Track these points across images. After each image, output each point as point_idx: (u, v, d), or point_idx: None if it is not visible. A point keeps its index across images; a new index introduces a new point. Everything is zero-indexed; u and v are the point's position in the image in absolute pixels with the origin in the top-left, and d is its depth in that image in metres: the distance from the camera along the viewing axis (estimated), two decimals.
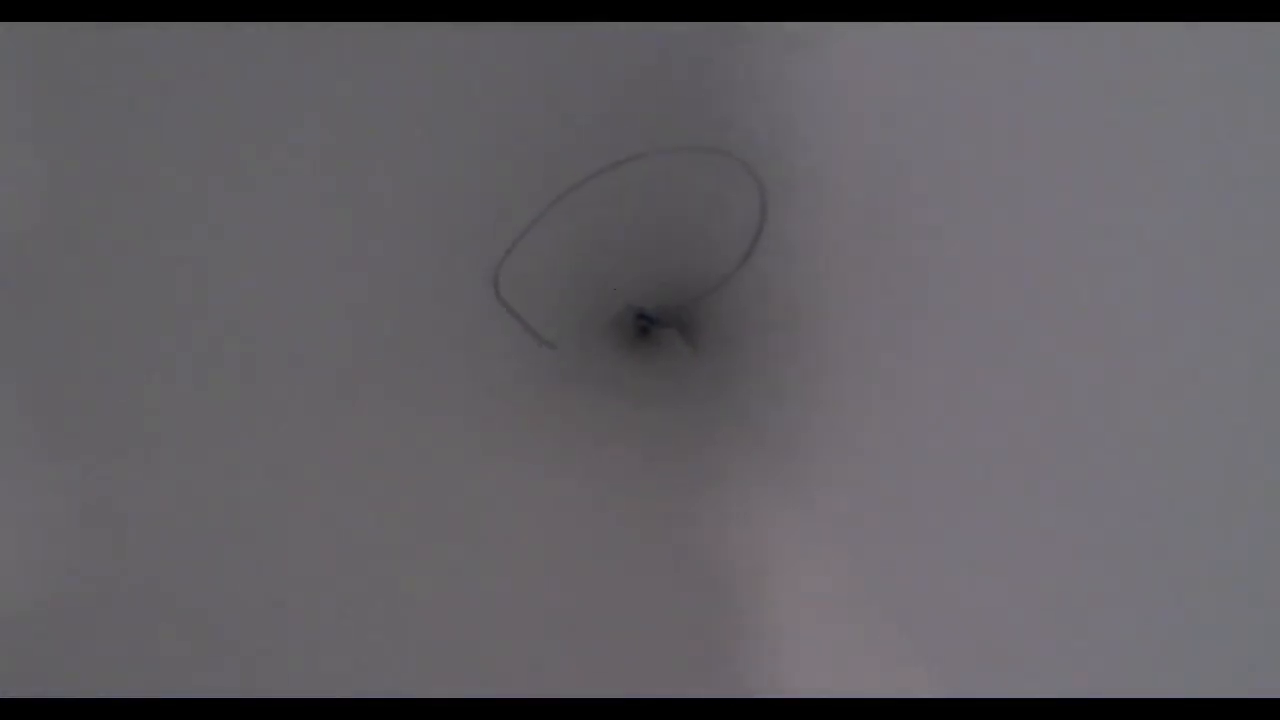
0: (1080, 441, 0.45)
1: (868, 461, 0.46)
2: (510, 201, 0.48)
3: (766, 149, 0.47)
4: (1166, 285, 0.47)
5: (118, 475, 0.44)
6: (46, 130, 0.46)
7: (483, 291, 0.48)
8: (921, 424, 0.45)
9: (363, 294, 0.48)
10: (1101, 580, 0.45)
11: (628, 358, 0.48)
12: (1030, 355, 0.45)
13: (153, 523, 0.44)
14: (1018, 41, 0.47)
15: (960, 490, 0.44)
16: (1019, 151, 0.47)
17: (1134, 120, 0.46)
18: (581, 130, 0.49)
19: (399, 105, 0.49)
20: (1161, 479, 0.46)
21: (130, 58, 0.46)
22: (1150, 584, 0.45)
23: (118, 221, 0.46)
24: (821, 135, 0.48)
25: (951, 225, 0.47)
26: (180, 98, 0.46)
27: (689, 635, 0.44)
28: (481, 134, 0.49)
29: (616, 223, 0.49)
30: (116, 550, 0.43)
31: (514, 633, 0.44)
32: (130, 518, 0.43)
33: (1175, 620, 0.45)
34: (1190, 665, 0.45)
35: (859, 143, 0.48)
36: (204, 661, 0.42)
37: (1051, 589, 0.45)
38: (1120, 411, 0.44)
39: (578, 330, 0.48)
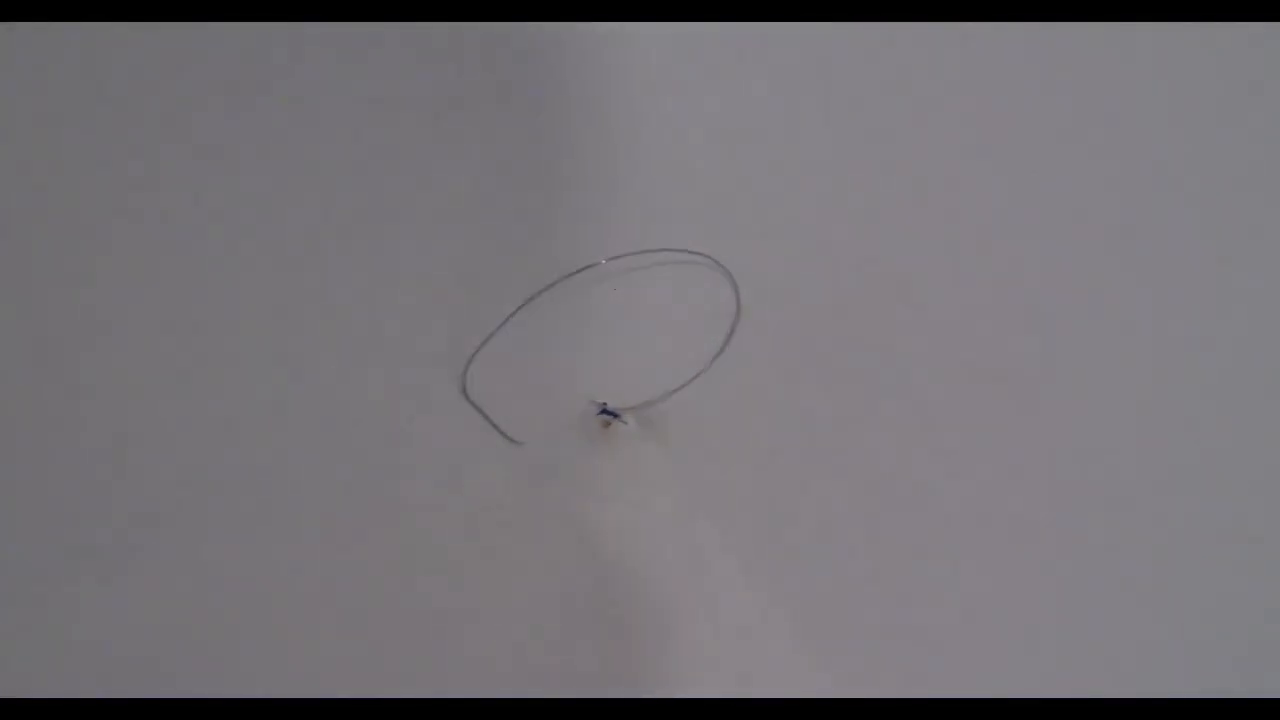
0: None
1: (845, 556, 0.44)
2: (482, 301, 0.49)
3: (741, 247, 0.48)
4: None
5: None
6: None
7: (451, 390, 0.48)
8: (897, 514, 0.44)
9: (330, 394, 0.48)
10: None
11: (593, 453, 0.47)
12: (1011, 445, 0.45)
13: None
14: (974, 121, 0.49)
15: (941, 578, 0.43)
16: (988, 244, 0.48)
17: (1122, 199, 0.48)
18: (552, 231, 0.50)
19: (366, 201, 0.50)
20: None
21: None
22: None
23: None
24: (796, 232, 0.49)
25: (927, 319, 0.47)
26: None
27: None
28: (452, 232, 0.50)
29: (587, 322, 0.49)
30: None
31: None
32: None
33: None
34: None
35: (833, 238, 0.49)
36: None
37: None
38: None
39: (544, 426, 0.48)
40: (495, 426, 0.47)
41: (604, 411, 0.46)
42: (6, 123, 0.50)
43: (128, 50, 0.51)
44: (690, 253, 0.49)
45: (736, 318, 0.48)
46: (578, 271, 0.49)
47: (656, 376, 0.48)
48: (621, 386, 0.48)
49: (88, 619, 0.44)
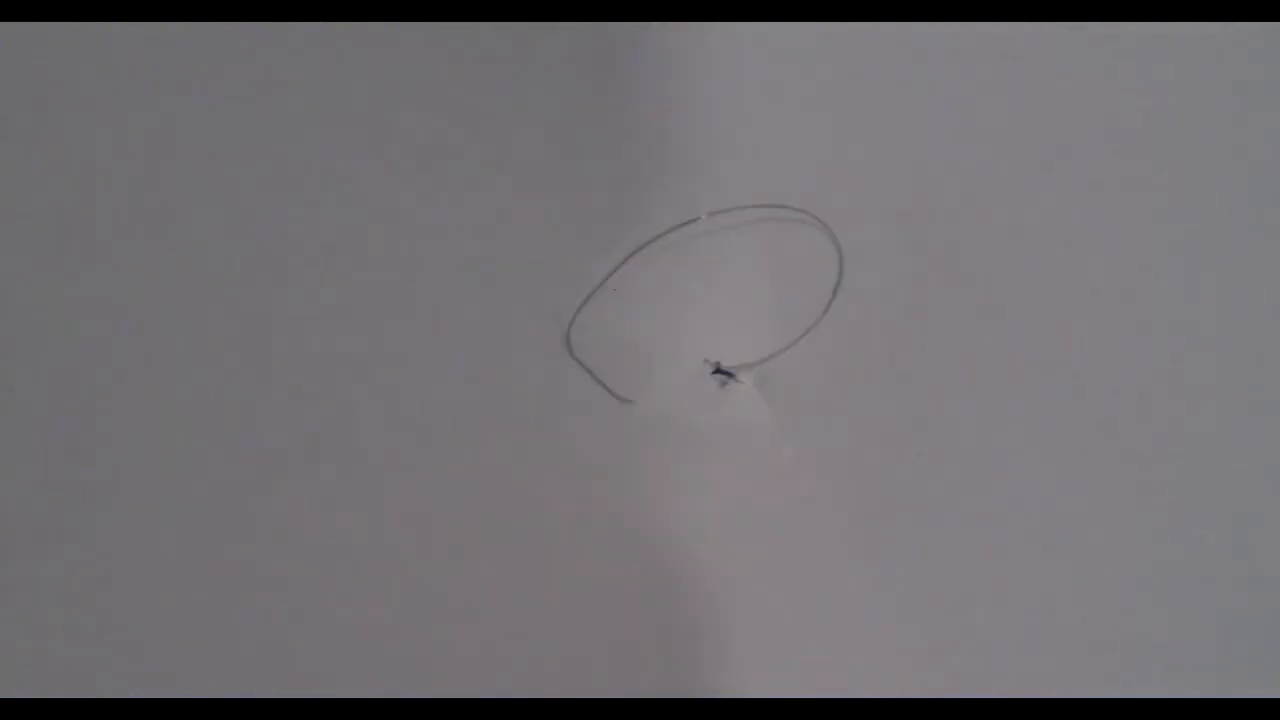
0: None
1: (945, 511, 0.46)
2: (587, 256, 0.49)
3: (842, 205, 0.49)
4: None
5: None
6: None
7: (556, 348, 0.48)
8: (1002, 476, 0.46)
9: (436, 352, 0.48)
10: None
11: (704, 412, 0.48)
12: (1119, 416, 0.46)
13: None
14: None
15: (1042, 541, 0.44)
16: (1098, 211, 0.48)
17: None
18: (656, 187, 0.50)
19: (473, 162, 0.49)
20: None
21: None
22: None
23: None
24: (898, 190, 0.49)
25: (1030, 277, 0.48)
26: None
27: None
28: (555, 189, 0.50)
29: (691, 278, 0.50)
30: None
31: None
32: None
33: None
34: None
35: (935, 196, 0.49)
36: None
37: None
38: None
39: (655, 385, 0.48)
40: (603, 385, 0.48)
41: (718, 370, 0.47)
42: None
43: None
44: (790, 209, 0.50)
45: (840, 275, 0.49)
46: (679, 226, 0.49)
47: (760, 335, 0.48)
48: (726, 344, 0.48)
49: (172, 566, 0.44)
